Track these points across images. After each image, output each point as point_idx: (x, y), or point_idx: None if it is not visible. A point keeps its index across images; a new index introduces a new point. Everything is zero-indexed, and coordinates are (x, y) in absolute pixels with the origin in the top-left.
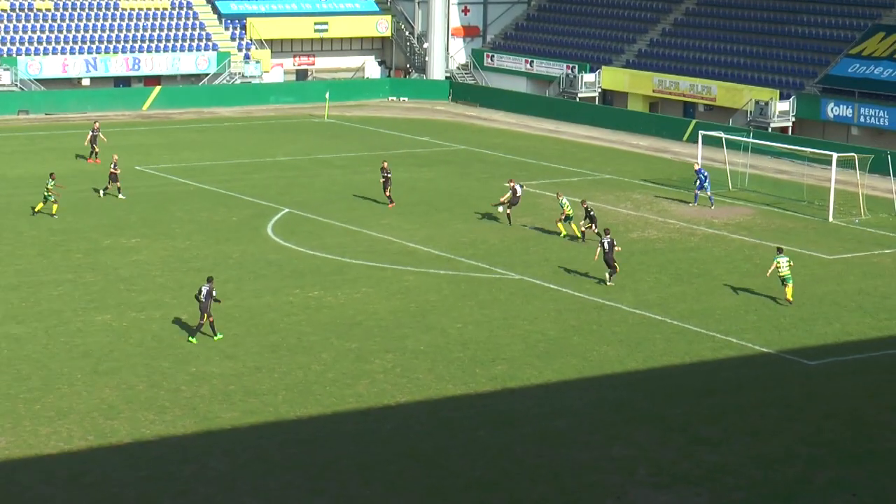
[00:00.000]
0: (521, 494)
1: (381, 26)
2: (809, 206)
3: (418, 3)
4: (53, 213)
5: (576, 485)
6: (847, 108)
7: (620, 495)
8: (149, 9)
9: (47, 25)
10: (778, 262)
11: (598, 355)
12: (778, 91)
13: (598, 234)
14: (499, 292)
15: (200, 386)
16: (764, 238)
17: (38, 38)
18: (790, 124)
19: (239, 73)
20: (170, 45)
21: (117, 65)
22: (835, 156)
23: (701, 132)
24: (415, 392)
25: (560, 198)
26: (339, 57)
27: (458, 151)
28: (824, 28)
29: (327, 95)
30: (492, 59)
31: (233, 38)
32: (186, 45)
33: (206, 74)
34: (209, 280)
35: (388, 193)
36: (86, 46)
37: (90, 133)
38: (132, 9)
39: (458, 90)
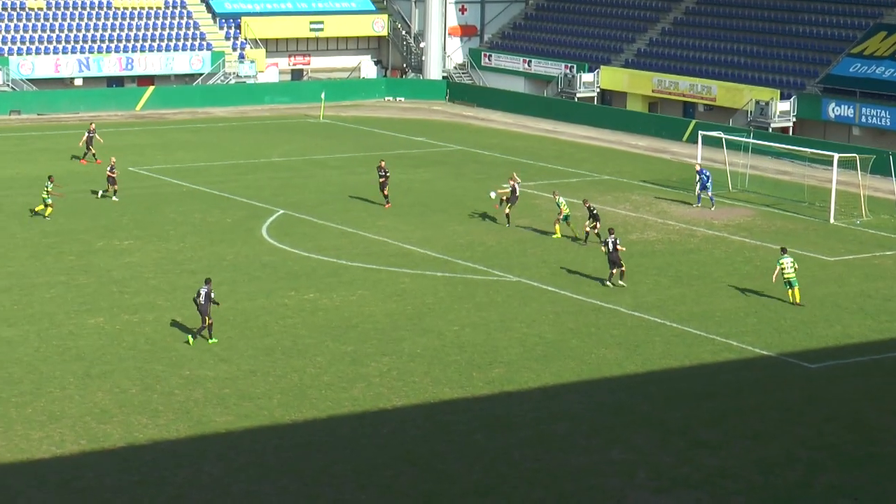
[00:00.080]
0: (518, 499)
1: (378, 25)
2: (810, 208)
3: (415, 2)
4: (46, 215)
5: (574, 489)
6: (848, 108)
7: (620, 499)
8: (142, 8)
9: (39, 25)
10: (782, 264)
11: (596, 358)
12: (778, 91)
13: (597, 234)
14: (496, 294)
15: (194, 389)
16: (764, 240)
17: (31, 37)
18: (791, 124)
19: (233, 73)
20: (163, 44)
21: (110, 64)
22: (836, 156)
23: (701, 132)
24: (411, 396)
25: (556, 197)
26: (335, 56)
27: (454, 152)
28: (825, 27)
29: (323, 95)
30: (489, 59)
31: (227, 38)
32: (180, 44)
33: (201, 74)
34: (207, 282)
35: (385, 193)
36: (78, 46)
37: (86, 134)
38: (125, 8)
39: (455, 90)
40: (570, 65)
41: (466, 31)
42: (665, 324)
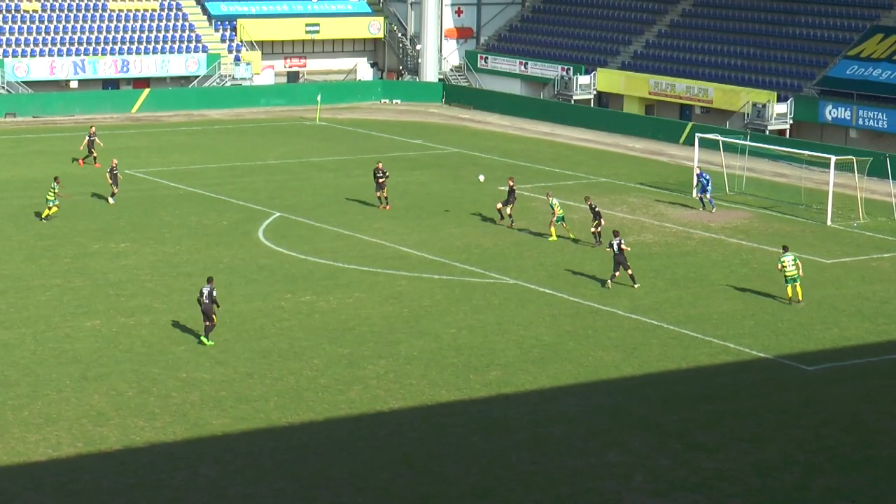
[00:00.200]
0: (515, 502)
1: (374, 28)
2: (807, 210)
3: (411, 4)
4: (44, 216)
5: (571, 492)
6: (845, 110)
7: (617, 502)
8: (137, 10)
9: (34, 27)
10: (783, 262)
11: (593, 361)
12: (775, 93)
13: (599, 232)
14: (493, 297)
15: (191, 392)
16: (761, 242)
17: (26, 39)
18: (788, 127)
19: (229, 75)
20: (159, 46)
21: (105, 67)
22: (833, 159)
23: (697, 135)
24: (408, 398)
25: (550, 198)
26: (331, 59)
27: (451, 154)
28: (822, 29)
29: (319, 98)
30: (485, 61)
31: (223, 40)
32: (176, 46)
33: (196, 76)
34: (209, 281)
35: (384, 195)
36: (73, 48)
37: (87, 137)
38: (120, 10)
39: (452, 92)
40: (566, 67)
41: (463, 34)
42: (662, 326)
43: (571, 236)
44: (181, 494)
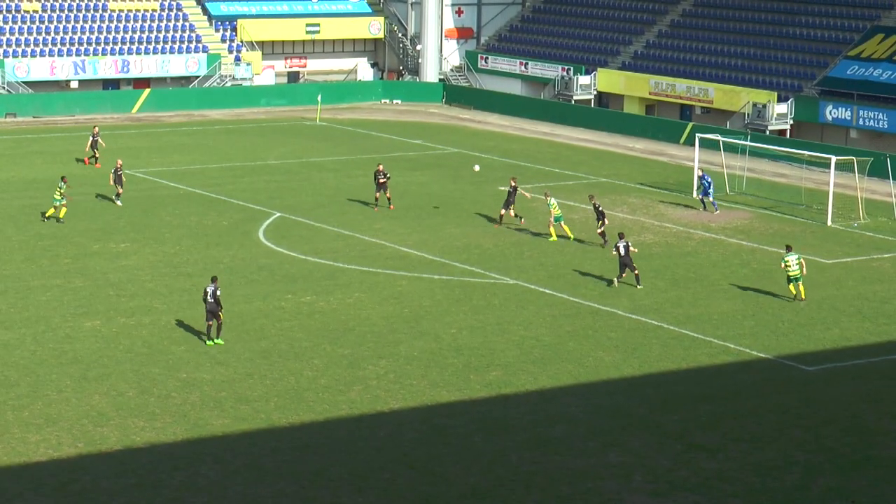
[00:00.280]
0: (515, 502)
1: (374, 28)
2: (808, 210)
3: (411, 4)
4: (48, 215)
5: (571, 492)
6: (846, 110)
7: (617, 502)
8: (137, 10)
9: (35, 27)
10: (787, 261)
11: (593, 361)
12: (776, 93)
13: (602, 232)
14: (493, 297)
15: (191, 392)
16: (762, 242)
17: (26, 39)
18: (788, 127)
19: (229, 76)
20: (159, 46)
21: (106, 67)
22: (833, 159)
23: (698, 135)
24: (408, 398)
25: (548, 198)
26: (331, 59)
27: (451, 155)
28: (822, 29)
29: (319, 98)
30: (486, 61)
31: (223, 40)
32: (176, 46)
33: (196, 77)
34: (213, 280)
35: (388, 195)
36: (74, 48)
37: (91, 138)
38: (120, 10)
39: (452, 92)
40: (566, 67)
41: (463, 34)
42: (662, 326)
43: (571, 237)
44: (181, 495)
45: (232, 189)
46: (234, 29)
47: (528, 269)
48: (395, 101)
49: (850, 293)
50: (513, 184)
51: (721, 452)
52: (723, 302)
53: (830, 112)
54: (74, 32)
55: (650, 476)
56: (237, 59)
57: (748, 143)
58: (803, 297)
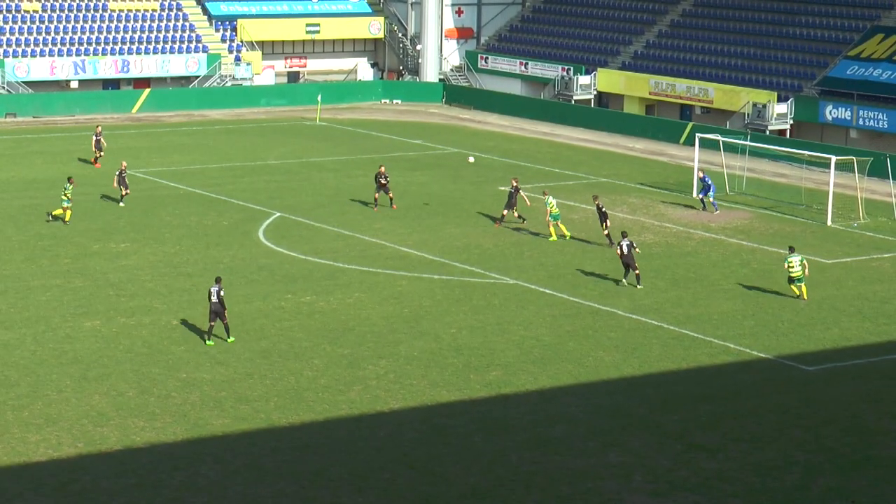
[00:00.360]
0: (515, 502)
1: (374, 28)
2: (808, 210)
3: (411, 4)
4: (54, 214)
5: (571, 492)
6: (846, 110)
7: (617, 502)
8: (137, 10)
9: (35, 27)
10: (790, 262)
11: (593, 361)
12: (776, 93)
13: (607, 234)
14: (493, 297)
15: (191, 392)
16: (762, 242)
17: (26, 39)
18: (788, 127)
19: (229, 76)
20: (159, 46)
21: (106, 67)
22: (833, 159)
23: (698, 135)
24: (408, 398)
25: (546, 196)
26: (331, 59)
27: (451, 155)
28: (822, 29)
29: (319, 98)
30: (486, 61)
31: (223, 40)
32: (176, 46)
33: (197, 76)
34: (217, 281)
35: (390, 196)
36: (74, 48)
37: (94, 137)
38: (120, 10)
39: (452, 92)
40: (566, 67)
41: (463, 34)
42: (662, 326)
43: (568, 235)
44: (181, 495)
45: (232, 189)
46: (234, 29)
47: (528, 269)
48: (395, 101)
49: (849, 293)
50: (514, 184)
51: (721, 452)
52: (723, 302)
53: (830, 112)
54: (74, 32)
55: (650, 476)
56: (237, 58)
57: (748, 143)
58: (805, 297)
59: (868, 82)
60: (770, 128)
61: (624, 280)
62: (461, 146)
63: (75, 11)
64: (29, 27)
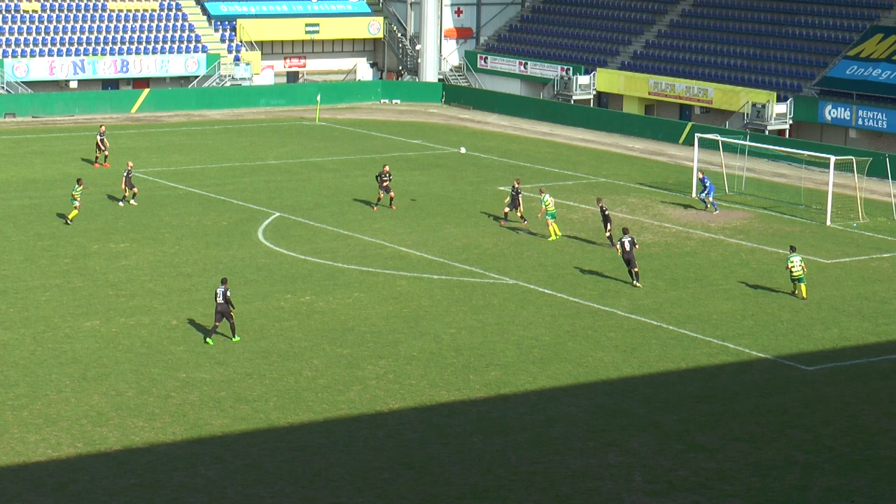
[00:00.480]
0: (515, 502)
1: (373, 28)
2: (807, 210)
3: (410, 4)
4: (71, 219)
5: (571, 492)
6: (845, 110)
7: (616, 503)
8: (137, 10)
9: (34, 27)
10: (792, 262)
11: (593, 361)
12: (775, 93)
13: (609, 237)
14: (492, 297)
15: (190, 392)
16: (761, 242)
17: (25, 39)
18: (787, 127)
19: (229, 76)
20: (158, 46)
21: (105, 67)
22: (832, 159)
23: (697, 135)
24: (407, 398)
25: (543, 195)
26: (331, 59)
27: (450, 155)
28: (822, 29)
29: (318, 98)
30: (485, 61)
31: (222, 40)
32: (175, 46)
33: (196, 76)
34: (223, 282)
35: (391, 195)
36: (73, 48)
37: (98, 137)
38: (120, 10)
39: (451, 92)
40: (566, 67)
41: (462, 34)
42: (662, 326)
43: (559, 235)
44: (180, 495)
45: (231, 189)
46: (233, 29)
47: (527, 269)
48: (394, 101)
49: (849, 293)
50: (516, 185)
51: (721, 452)
52: (722, 302)
53: (830, 112)
54: (74, 32)
55: (650, 476)
56: (236, 58)
57: (747, 143)
58: (804, 295)
59: (867, 82)
60: (769, 128)
61: (636, 282)
62: (461, 146)
63: (74, 11)
64: (28, 27)
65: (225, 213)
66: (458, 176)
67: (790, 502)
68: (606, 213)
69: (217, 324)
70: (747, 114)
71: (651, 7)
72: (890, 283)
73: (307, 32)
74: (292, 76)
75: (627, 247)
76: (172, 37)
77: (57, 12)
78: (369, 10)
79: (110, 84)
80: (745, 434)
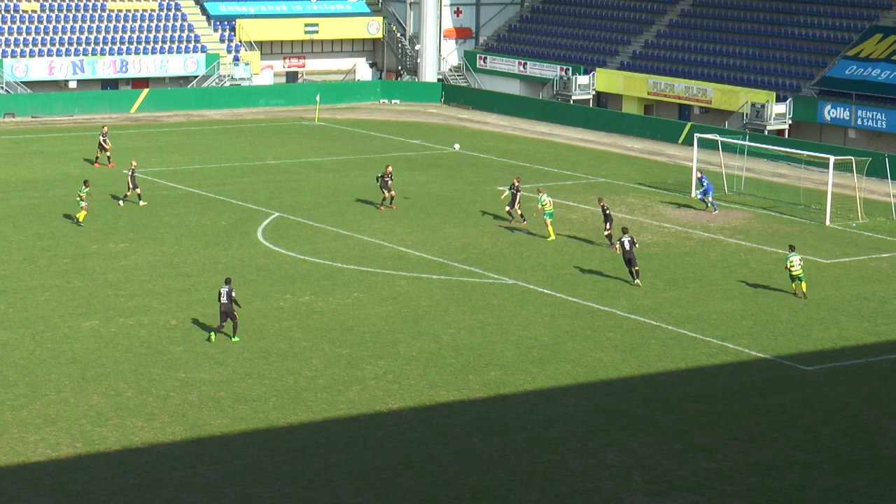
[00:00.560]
0: (514, 502)
1: (373, 28)
2: (806, 210)
3: (410, 4)
4: (81, 220)
5: (570, 492)
6: (844, 110)
7: (616, 503)
8: (136, 10)
9: (33, 27)
10: (791, 261)
11: (592, 361)
12: (774, 93)
13: (608, 236)
14: (492, 297)
15: (190, 392)
16: (760, 242)
17: (24, 39)
18: (787, 127)
19: (228, 76)
20: (157, 46)
21: (104, 67)
22: (832, 159)
23: (696, 135)
24: (407, 398)
25: (540, 194)
26: (330, 59)
27: (450, 155)
28: (821, 29)
29: (318, 98)
30: (484, 61)
31: (222, 40)
32: (175, 46)
33: (195, 76)
34: (227, 282)
35: (392, 194)
36: (72, 48)
37: (100, 137)
38: (119, 10)
39: (451, 92)
40: (565, 67)
41: (461, 34)
42: (661, 326)
43: (553, 237)
44: (180, 495)
45: (230, 189)
46: (232, 29)
47: (526, 269)
48: (393, 101)
49: (848, 293)
50: (516, 184)
51: (720, 452)
52: (721, 302)
53: (829, 112)
54: (73, 32)
55: (649, 476)
56: (236, 58)
57: (747, 143)
58: (805, 293)
59: (867, 82)
60: (769, 128)
61: (637, 280)
62: (460, 146)
63: (74, 11)
64: (27, 27)
65: (224, 213)
66: (457, 176)
67: (789, 502)
68: (608, 212)
69: (223, 324)
70: (746, 114)
71: (650, 7)
72: (889, 283)
73: (306, 32)
74: (291, 76)
75: (627, 246)
76: (172, 37)
77: (56, 12)
78: (368, 10)
79: (109, 84)
80: (745, 434)
